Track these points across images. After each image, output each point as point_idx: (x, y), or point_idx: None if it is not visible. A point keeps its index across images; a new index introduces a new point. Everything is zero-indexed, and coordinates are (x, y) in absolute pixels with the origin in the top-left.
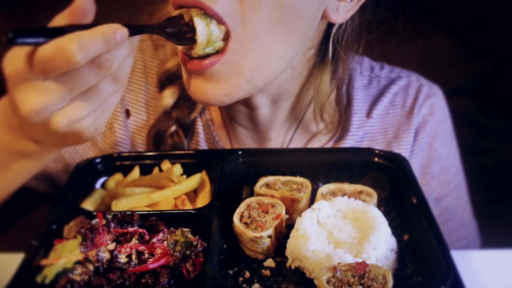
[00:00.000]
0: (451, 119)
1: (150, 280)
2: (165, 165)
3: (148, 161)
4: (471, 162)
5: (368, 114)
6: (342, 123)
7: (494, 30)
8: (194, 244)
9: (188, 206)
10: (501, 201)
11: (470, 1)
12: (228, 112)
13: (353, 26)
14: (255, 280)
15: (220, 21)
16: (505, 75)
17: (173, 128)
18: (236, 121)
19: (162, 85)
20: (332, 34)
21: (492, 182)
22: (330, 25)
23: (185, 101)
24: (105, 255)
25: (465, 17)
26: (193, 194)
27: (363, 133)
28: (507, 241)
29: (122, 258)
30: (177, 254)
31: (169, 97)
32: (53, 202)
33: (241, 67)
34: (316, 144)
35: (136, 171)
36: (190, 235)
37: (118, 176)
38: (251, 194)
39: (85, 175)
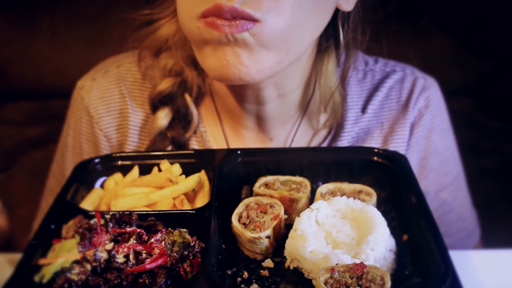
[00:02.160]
0: (447, 112)
1: (147, 280)
2: (164, 165)
3: (147, 161)
4: (471, 162)
5: (363, 109)
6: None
7: (494, 30)
8: (192, 244)
9: (187, 206)
10: (501, 201)
11: (470, 1)
12: (235, 113)
13: (357, 9)
14: (254, 280)
15: (250, 19)
16: (505, 75)
17: (169, 148)
18: (241, 123)
19: (155, 107)
20: (339, 16)
21: (492, 182)
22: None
23: (180, 121)
24: (103, 255)
25: (465, 17)
26: (192, 194)
27: (359, 129)
28: (507, 241)
29: (120, 258)
30: (175, 254)
31: (163, 118)
32: (52, 202)
33: (271, 47)
34: (314, 141)
35: (135, 171)
36: (187, 236)
37: (117, 176)
38: (250, 193)
39: (84, 175)
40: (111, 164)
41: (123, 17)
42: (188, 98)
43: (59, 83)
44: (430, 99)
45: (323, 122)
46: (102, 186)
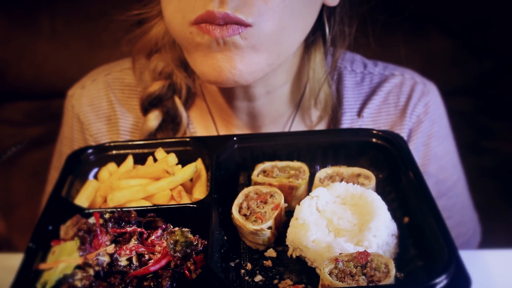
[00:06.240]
0: (447, 116)
1: (152, 283)
2: (159, 153)
3: (141, 150)
4: (471, 162)
5: (359, 113)
6: (333, 122)
7: (494, 30)
8: (195, 243)
9: (185, 198)
10: (501, 201)
11: (470, 1)
12: (226, 111)
13: (342, 3)
14: (257, 271)
15: (242, 24)
16: (505, 75)
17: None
18: (233, 122)
19: (145, 109)
20: (324, 10)
21: (492, 182)
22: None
23: (169, 123)
24: (105, 259)
25: (465, 17)
26: (189, 183)
27: None
28: (507, 241)
29: (123, 261)
30: (178, 254)
31: (153, 120)
32: (47, 200)
33: (262, 50)
34: None
35: (129, 161)
36: (190, 235)
37: (111, 166)
38: (248, 180)
39: (77, 166)
40: (104, 154)
41: (116, 20)
42: (177, 100)
43: (59, 83)
44: (429, 105)
45: (316, 118)
46: (95, 177)
